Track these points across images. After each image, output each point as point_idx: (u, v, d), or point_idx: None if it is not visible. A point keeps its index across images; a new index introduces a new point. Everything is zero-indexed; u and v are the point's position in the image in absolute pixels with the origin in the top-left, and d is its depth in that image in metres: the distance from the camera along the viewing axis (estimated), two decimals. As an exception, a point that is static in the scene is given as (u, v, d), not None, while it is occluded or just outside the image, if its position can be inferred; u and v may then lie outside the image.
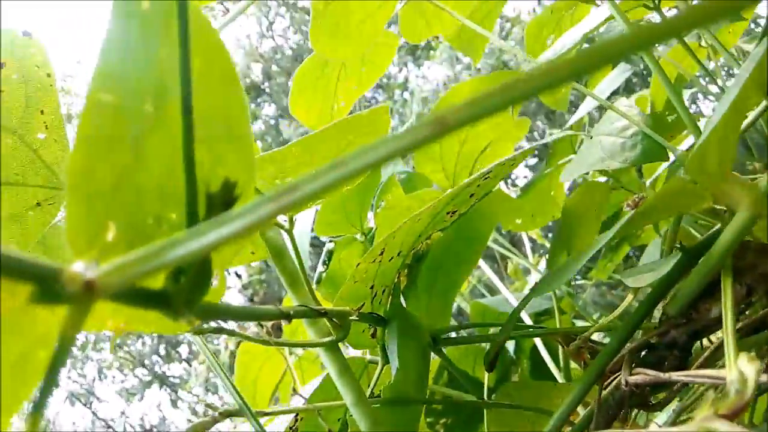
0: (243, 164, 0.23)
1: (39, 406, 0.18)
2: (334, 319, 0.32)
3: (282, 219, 0.33)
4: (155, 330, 0.23)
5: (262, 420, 0.37)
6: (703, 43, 0.87)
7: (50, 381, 0.18)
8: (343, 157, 0.15)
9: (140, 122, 0.20)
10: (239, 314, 0.25)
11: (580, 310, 0.92)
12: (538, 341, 0.69)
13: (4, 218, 0.24)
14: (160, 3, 0.20)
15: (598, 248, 0.31)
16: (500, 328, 0.66)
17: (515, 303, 0.78)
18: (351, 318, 0.33)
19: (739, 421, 0.21)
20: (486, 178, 0.33)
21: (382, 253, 0.31)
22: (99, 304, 0.20)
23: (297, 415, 0.36)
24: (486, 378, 0.62)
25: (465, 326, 0.44)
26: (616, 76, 0.72)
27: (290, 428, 0.36)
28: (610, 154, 0.42)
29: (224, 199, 0.21)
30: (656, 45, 0.17)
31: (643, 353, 0.30)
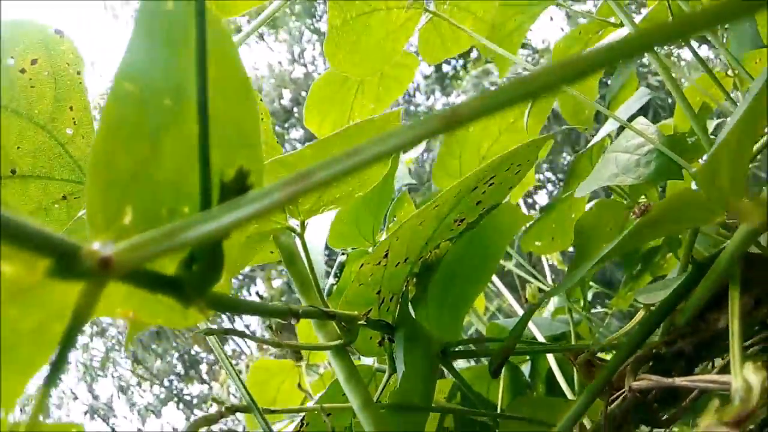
0: (253, 167, 0.24)
1: (51, 378, 0.18)
2: (343, 324, 0.33)
3: (294, 224, 0.34)
4: (164, 321, 0.24)
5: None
6: (729, 73, 0.87)
7: (63, 354, 0.18)
8: (358, 146, 0.15)
9: (159, 116, 0.21)
10: (248, 308, 0.25)
11: (600, 338, 0.90)
12: (553, 364, 0.68)
13: (30, 210, 0.26)
14: (185, 5, 0.21)
15: (605, 253, 0.31)
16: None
17: (532, 325, 0.77)
18: (359, 323, 0.33)
19: (743, 430, 0.21)
20: (491, 184, 0.33)
21: (386, 256, 0.31)
22: (111, 287, 0.21)
23: (303, 419, 0.37)
24: (500, 399, 0.62)
25: (477, 340, 0.44)
26: (635, 101, 0.72)
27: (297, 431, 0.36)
28: (624, 170, 0.42)
29: (238, 187, 0.22)
30: (662, 46, 0.17)
31: (651, 364, 0.30)
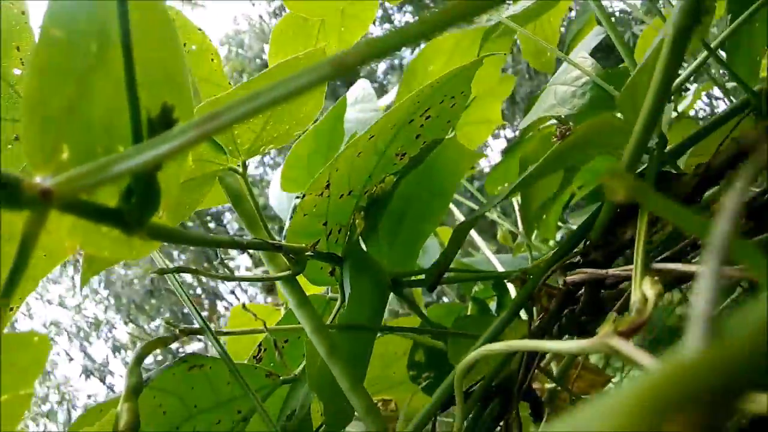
0: (181, 104, 0.25)
1: (7, 293, 0.21)
2: (291, 255, 0.35)
3: (238, 165, 0.36)
4: (110, 253, 0.26)
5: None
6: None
7: (17, 271, 0.21)
8: (258, 91, 0.17)
9: (86, 60, 0.22)
10: (192, 239, 0.28)
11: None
12: (516, 298, 0.72)
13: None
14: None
15: (524, 178, 0.34)
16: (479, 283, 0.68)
17: (496, 263, 0.81)
18: (307, 254, 0.36)
19: (637, 337, 0.24)
20: (427, 117, 0.35)
21: (328, 187, 0.33)
22: (57, 219, 0.23)
23: (260, 344, 0.40)
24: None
25: (428, 270, 0.46)
26: (590, 39, 0.73)
27: (254, 357, 0.39)
28: (561, 102, 0.44)
29: (164, 122, 0.24)
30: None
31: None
